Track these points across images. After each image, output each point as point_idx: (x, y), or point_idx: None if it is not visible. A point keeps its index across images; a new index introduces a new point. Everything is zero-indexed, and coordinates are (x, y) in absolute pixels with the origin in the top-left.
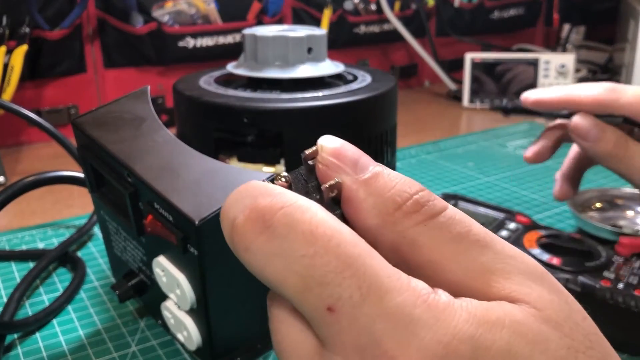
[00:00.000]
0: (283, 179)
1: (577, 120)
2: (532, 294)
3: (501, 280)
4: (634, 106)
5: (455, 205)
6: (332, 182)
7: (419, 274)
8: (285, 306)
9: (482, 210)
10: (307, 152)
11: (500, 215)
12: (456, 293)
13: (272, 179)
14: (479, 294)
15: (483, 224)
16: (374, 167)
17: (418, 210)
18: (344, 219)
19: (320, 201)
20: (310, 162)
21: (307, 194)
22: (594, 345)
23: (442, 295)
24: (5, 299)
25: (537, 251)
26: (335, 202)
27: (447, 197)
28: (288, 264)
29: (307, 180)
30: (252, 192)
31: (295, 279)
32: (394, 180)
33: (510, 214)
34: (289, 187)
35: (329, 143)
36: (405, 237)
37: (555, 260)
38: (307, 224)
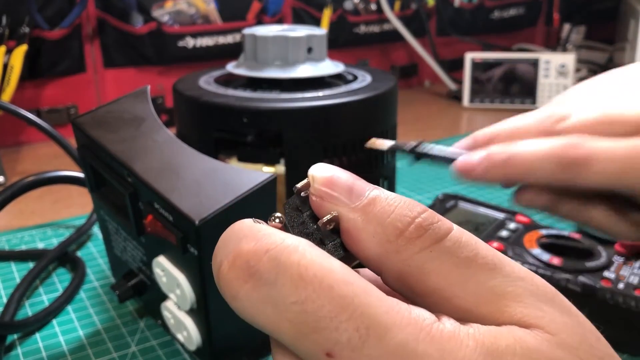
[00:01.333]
0: (277, 220)
1: None
2: (544, 318)
3: (512, 304)
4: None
5: (455, 205)
6: (327, 217)
7: (427, 302)
8: (285, 349)
9: (482, 210)
10: (299, 185)
11: (500, 215)
12: (466, 319)
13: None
14: (490, 320)
15: (483, 224)
16: (370, 192)
17: (421, 235)
18: (343, 247)
19: (318, 230)
20: (303, 194)
21: (303, 224)
22: None
23: (447, 324)
24: (5, 299)
25: (537, 251)
26: (333, 231)
27: (448, 197)
28: (279, 312)
29: (302, 210)
30: (237, 235)
31: (288, 326)
32: (392, 204)
33: (511, 214)
34: (284, 226)
35: (320, 172)
36: (410, 265)
37: (556, 260)
38: (296, 267)
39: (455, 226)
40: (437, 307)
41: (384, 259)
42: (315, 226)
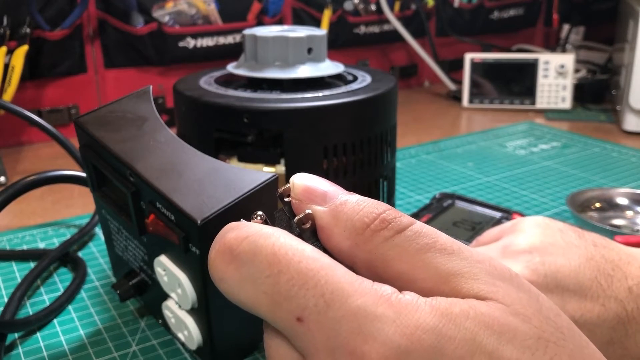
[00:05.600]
0: (258, 217)
1: None
2: (499, 292)
3: (470, 281)
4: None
5: (452, 204)
6: (302, 214)
7: (395, 286)
8: (272, 327)
9: (479, 209)
10: (281, 190)
11: (497, 214)
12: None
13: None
14: (451, 297)
15: (480, 223)
16: (343, 196)
17: (385, 227)
18: (325, 250)
19: (301, 235)
20: (286, 199)
21: (289, 228)
22: (566, 337)
23: (407, 295)
24: (6, 299)
25: None
26: (314, 236)
27: (445, 196)
28: (256, 285)
29: (290, 217)
30: (224, 230)
31: (264, 298)
32: (361, 204)
33: (507, 213)
34: (265, 223)
35: (299, 180)
36: (376, 253)
37: None
38: (270, 247)
39: (417, 221)
40: (404, 289)
41: (354, 249)
42: (299, 231)
